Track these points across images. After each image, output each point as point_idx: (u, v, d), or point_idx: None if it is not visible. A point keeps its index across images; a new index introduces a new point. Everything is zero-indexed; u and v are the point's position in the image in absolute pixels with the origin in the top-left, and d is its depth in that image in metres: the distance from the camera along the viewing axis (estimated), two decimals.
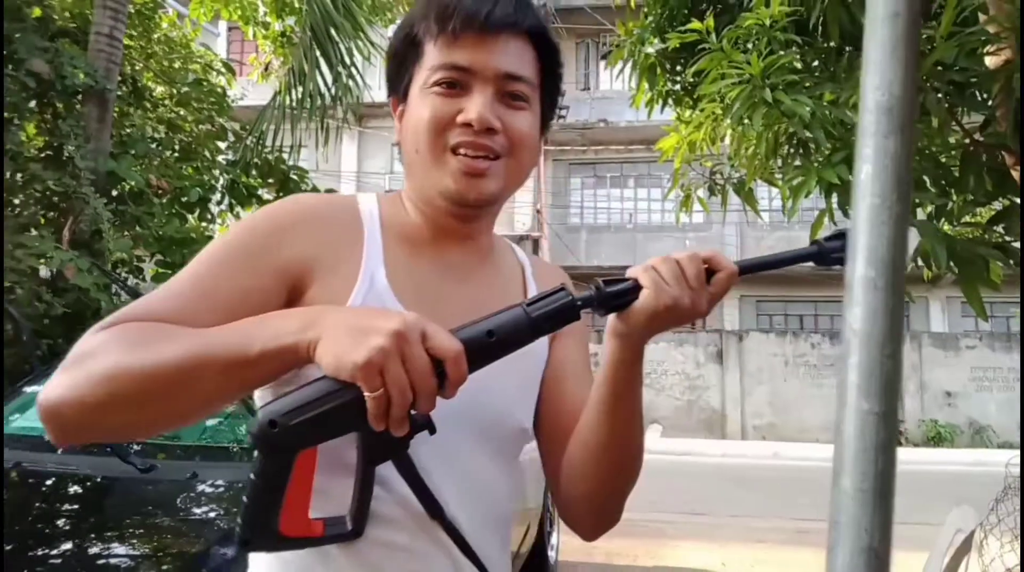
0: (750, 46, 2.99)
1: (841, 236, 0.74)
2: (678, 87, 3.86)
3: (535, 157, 0.86)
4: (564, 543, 4.66)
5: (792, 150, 3.11)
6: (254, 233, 0.77)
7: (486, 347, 0.65)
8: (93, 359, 0.64)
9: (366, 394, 0.60)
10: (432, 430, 0.65)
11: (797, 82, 2.79)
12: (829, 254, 0.76)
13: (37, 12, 4.27)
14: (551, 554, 4.31)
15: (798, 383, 13.05)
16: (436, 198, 0.82)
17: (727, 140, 3.76)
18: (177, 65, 5.78)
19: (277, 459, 0.62)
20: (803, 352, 13.35)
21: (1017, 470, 3.09)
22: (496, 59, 0.79)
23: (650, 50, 3.58)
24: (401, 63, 0.84)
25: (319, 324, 0.63)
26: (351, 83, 5.03)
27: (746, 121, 2.98)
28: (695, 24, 2.97)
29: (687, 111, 3.97)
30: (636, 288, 0.71)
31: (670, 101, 3.92)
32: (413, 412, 0.62)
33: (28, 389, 2.83)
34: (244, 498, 0.63)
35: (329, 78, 4.84)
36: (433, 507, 0.73)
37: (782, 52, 2.78)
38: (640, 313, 0.71)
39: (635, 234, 15.73)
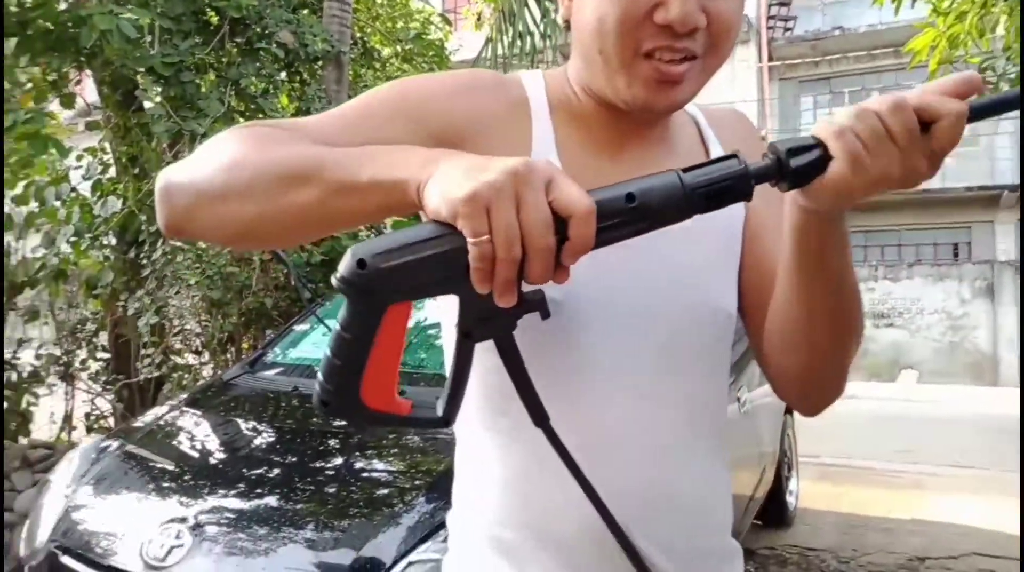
0: None
1: None
2: None
3: (737, 39, 0.72)
4: (804, 489, 4.40)
5: None
6: (424, 86, 0.71)
7: (623, 213, 0.52)
8: (219, 148, 0.61)
9: (468, 241, 0.49)
10: (545, 313, 0.54)
11: None
12: None
13: None
14: (790, 500, 4.10)
15: None
16: (617, 101, 0.70)
17: (1000, 28, 3.15)
18: (399, 24, 6.12)
19: (364, 308, 0.53)
20: None
21: None
22: None
23: None
24: None
25: (438, 162, 0.53)
26: (559, 18, 4.98)
27: None
28: None
29: (945, 1, 3.39)
30: (827, 157, 0.55)
31: None
32: (525, 285, 0.51)
33: (297, 328, 3.22)
34: (326, 351, 0.55)
35: (538, 15, 4.82)
36: (538, 412, 0.59)
37: None
38: (832, 190, 0.56)
39: None
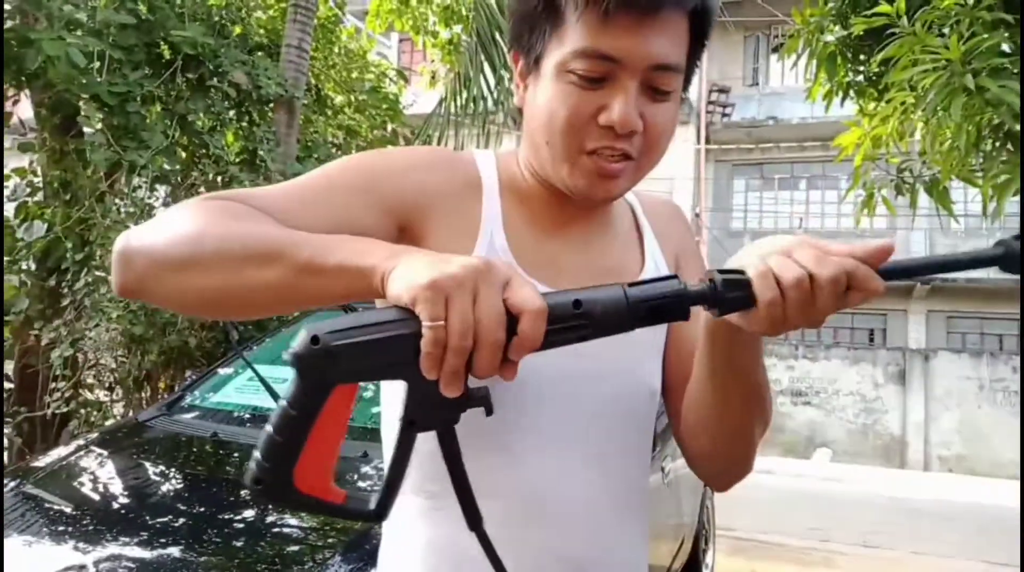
0: (947, 29, 2.70)
1: None
2: (860, 77, 3.58)
3: (669, 144, 0.78)
4: (719, 563, 4.45)
5: (997, 143, 2.77)
6: (380, 162, 0.75)
7: (569, 318, 0.55)
8: (182, 217, 0.62)
9: (424, 324, 0.51)
10: (489, 410, 0.56)
11: (1005, 67, 2.47)
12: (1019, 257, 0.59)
13: (238, 29, 4.73)
14: None
15: (994, 411, 11.68)
16: (562, 187, 0.77)
17: (918, 134, 3.42)
18: (355, 75, 6.19)
19: (313, 385, 0.53)
20: (1002, 376, 11.92)
21: None
22: (648, 47, 0.68)
23: (830, 38, 3.34)
24: (533, 23, 0.74)
25: (404, 254, 0.56)
26: (512, 86, 5.16)
27: (941, 112, 2.69)
28: (883, 7, 2.72)
29: (871, 103, 3.68)
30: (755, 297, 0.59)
31: (851, 93, 3.64)
32: (473, 381, 0.54)
33: (221, 370, 3.12)
34: (268, 427, 0.55)
35: (492, 81, 4.97)
36: (473, 515, 0.59)
37: (985, 35, 2.48)
38: (750, 323, 0.60)
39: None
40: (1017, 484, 9.92)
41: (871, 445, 12.42)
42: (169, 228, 0.61)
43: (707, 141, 14.92)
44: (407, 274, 0.53)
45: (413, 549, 0.74)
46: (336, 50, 6.16)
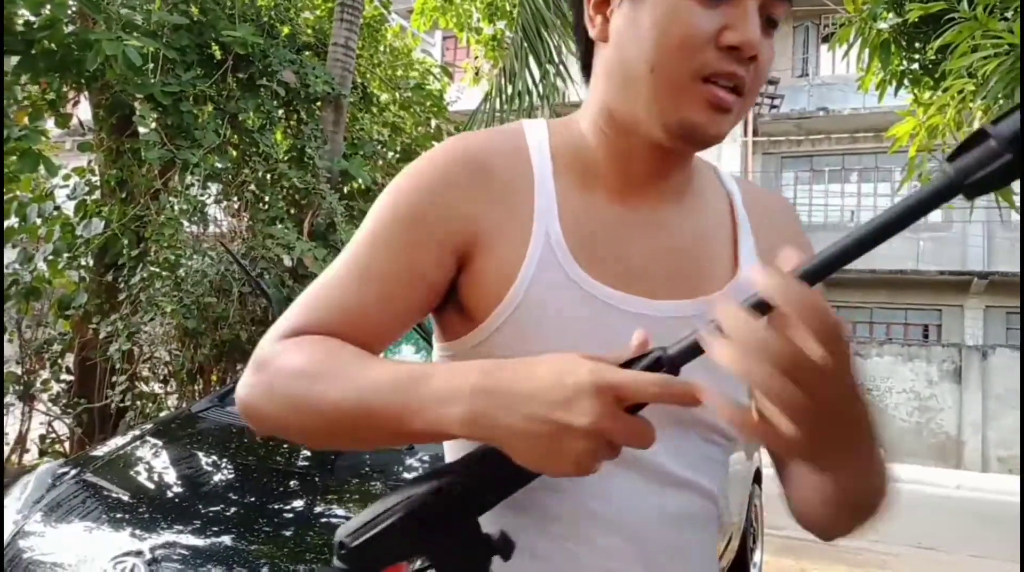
0: (1010, 14, 2.59)
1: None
2: (916, 65, 3.46)
3: None
4: (767, 562, 4.37)
5: None
6: (414, 198, 0.67)
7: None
8: (277, 378, 0.63)
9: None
10: (507, 556, 0.56)
11: None
12: (978, 172, 0.45)
13: (287, 29, 4.82)
14: None
15: None
16: (654, 128, 0.65)
17: (976, 123, 3.29)
18: (400, 72, 6.24)
19: None
20: None
21: None
22: None
23: (884, 25, 3.24)
24: None
25: (487, 419, 0.54)
26: (558, 80, 5.14)
27: (1003, 100, 2.59)
28: None
29: (926, 92, 3.55)
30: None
31: (906, 82, 3.52)
32: (488, 526, 0.56)
33: None
34: None
35: (537, 75, 4.96)
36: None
37: None
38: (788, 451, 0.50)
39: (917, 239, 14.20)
40: None
41: (926, 444, 12.06)
42: (269, 395, 0.63)
43: (755, 133, 14.63)
44: (532, 459, 0.53)
45: None
46: (381, 48, 6.23)
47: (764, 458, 4.68)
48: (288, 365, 0.63)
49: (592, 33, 0.70)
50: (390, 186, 0.70)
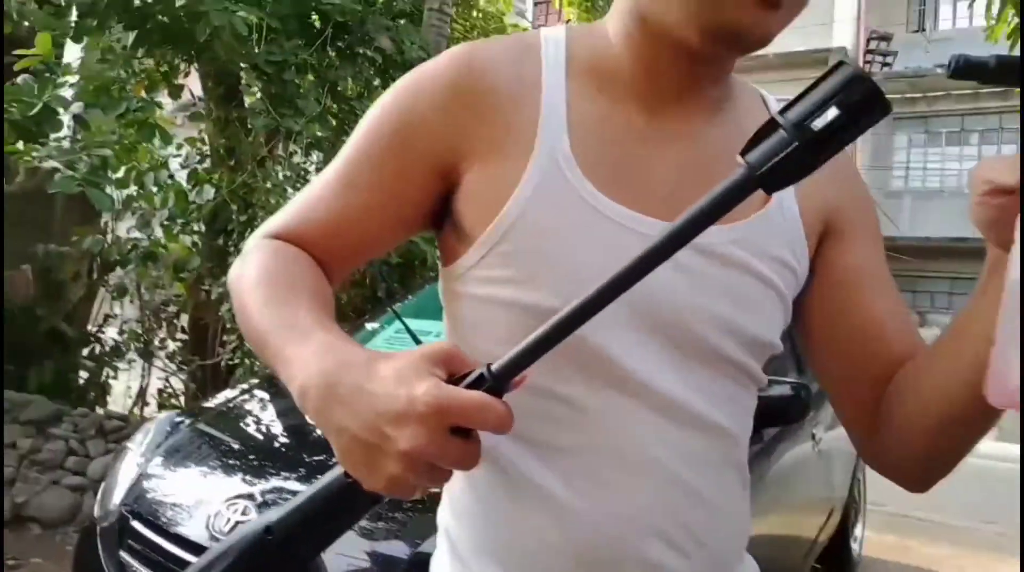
0: None
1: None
2: None
3: None
4: (869, 538, 4.19)
5: None
6: (400, 115, 0.64)
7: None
8: (238, 279, 0.65)
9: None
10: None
11: None
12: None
13: None
14: (854, 546, 3.91)
15: None
16: (690, 30, 0.58)
17: None
18: (493, 37, 6.24)
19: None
20: None
21: None
22: None
23: None
24: None
25: (322, 407, 0.52)
26: None
27: None
28: None
29: None
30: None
31: None
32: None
33: (369, 325, 3.28)
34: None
35: None
36: None
37: None
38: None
39: None
40: None
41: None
42: (236, 286, 0.65)
43: None
44: (348, 463, 0.52)
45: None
46: (475, 13, 6.22)
47: None
48: (249, 270, 0.64)
49: None
50: (384, 96, 0.67)
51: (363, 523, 1.77)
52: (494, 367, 0.50)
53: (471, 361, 0.52)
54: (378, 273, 3.91)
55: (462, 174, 0.63)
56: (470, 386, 0.49)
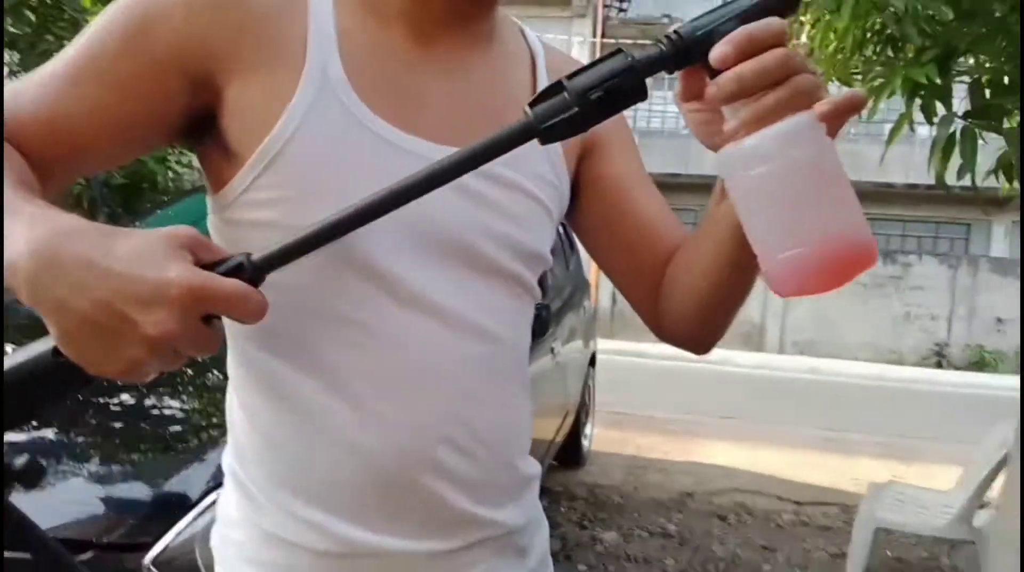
0: None
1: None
2: None
3: None
4: (597, 434, 4.81)
5: (878, 47, 2.92)
6: (147, 8, 0.59)
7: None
8: None
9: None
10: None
11: None
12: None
13: None
14: (584, 443, 4.46)
15: (844, 301, 12.85)
16: None
17: (803, 36, 3.53)
18: None
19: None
20: None
21: None
22: None
23: None
24: None
25: (41, 283, 0.46)
26: None
27: (830, 14, 2.79)
28: None
29: (807, 15, 3.73)
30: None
31: None
32: None
33: None
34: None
35: None
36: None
37: None
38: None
39: (690, 140, 15.21)
40: (855, 364, 11.17)
41: (733, 332, 13.15)
42: None
43: (603, 36, 14.78)
44: (80, 354, 0.47)
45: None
46: None
47: (599, 345, 5.05)
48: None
49: None
50: None
51: (93, 468, 1.62)
52: (255, 257, 0.49)
53: (219, 249, 0.50)
54: (98, 195, 3.48)
55: (222, 87, 0.59)
56: (227, 274, 0.48)
